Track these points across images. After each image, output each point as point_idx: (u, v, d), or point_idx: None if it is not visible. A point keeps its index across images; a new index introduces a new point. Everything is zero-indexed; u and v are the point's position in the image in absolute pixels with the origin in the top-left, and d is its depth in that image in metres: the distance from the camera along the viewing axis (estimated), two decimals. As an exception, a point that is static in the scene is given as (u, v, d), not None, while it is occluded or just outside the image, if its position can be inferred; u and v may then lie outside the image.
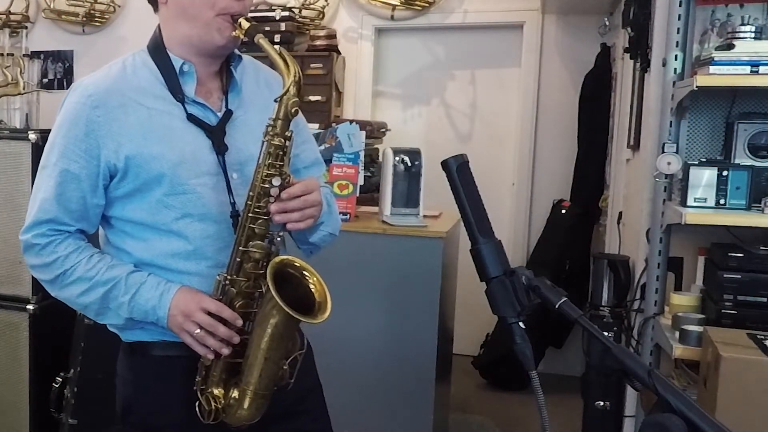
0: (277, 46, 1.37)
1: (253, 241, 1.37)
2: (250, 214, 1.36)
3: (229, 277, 1.38)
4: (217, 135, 1.43)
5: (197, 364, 1.41)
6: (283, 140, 1.35)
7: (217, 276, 1.39)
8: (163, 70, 1.43)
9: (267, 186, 1.34)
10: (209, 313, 1.36)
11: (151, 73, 1.44)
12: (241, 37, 1.39)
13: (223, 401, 1.40)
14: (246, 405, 1.39)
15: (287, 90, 1.34)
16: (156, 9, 1.48)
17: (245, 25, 1.38)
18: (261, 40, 1.36)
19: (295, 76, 1.34)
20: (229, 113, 1.46)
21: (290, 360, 1.42)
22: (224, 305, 1.37)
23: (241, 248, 1.37)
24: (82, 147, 1.38)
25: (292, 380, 1.43)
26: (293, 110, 1.35)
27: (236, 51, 1.50)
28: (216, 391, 1.40)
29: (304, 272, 1.40)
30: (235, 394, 1.40)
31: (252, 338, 1.38)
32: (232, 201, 1.42)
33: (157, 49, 1.45)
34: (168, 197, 1.40)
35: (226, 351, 1.37)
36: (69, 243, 1.42)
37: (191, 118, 1.42)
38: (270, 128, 1.35)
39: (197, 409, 1.40)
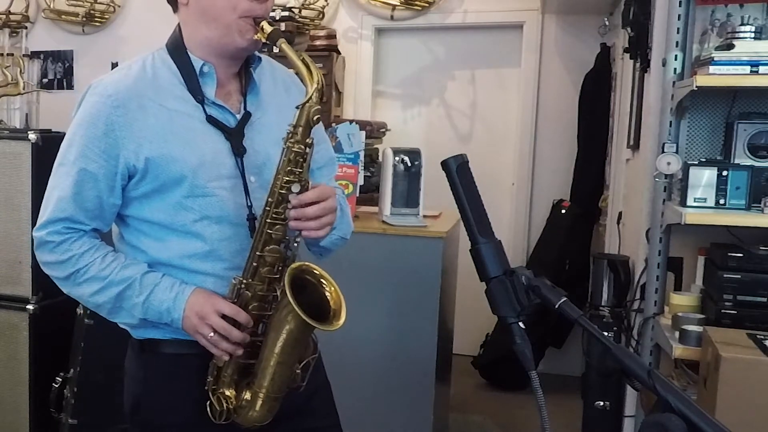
0: (301, 53, 1.37)
1: (270, 245, 1.37)
2: (268, 220, 1.36)
3: (245, 281, 1.38)
4: (235, 137, 1.42)
5: (208, 362, 1.42)
6: (303, 147, 1.34)
7: (233, 279, 1.39)
8: (184, 70, 1.43)
9: (286, 192, 1.34)
10: (224, 317, 1.36)
11: (172, 73, 1.43)
12: (263, 40, 1.37)
13: (234, 402, 1.41)
14: (258, 407, 1.40)
15: (310, 97, 1.33)
16: (175, 9, 1.46)
17: (267, 28, 1.36)
18: (284, 45, 1.35)
19: (318, 83, 1.33)
20: (247, 115, 1.46)
21: (303, 364, 1.42)
22: (239, 309, 1.37)
23: (258, 253, 1.37)
24: (101, 146, 1.38)
25: (304, 383, 1.43)
26: (315, 117, 1.33)
27: (256, 52, 1.49)
28: (228, 392, 1.41)
29: (322, 280, 1.41)
30: (247, 395, 1.40)
31: (266, 342, 1.38)
32: (249, 204, 1.42)
33: (177, 49, 1.44)
34: (187, 199, 1.39)
35: (239, 352, 1.37)
36: (84, 241, 1.41)
37: (210, 120, 1.41)
38: (290, 134, 1.34)
39: (208, 409, 1.41)
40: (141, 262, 1.43)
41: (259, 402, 1.40)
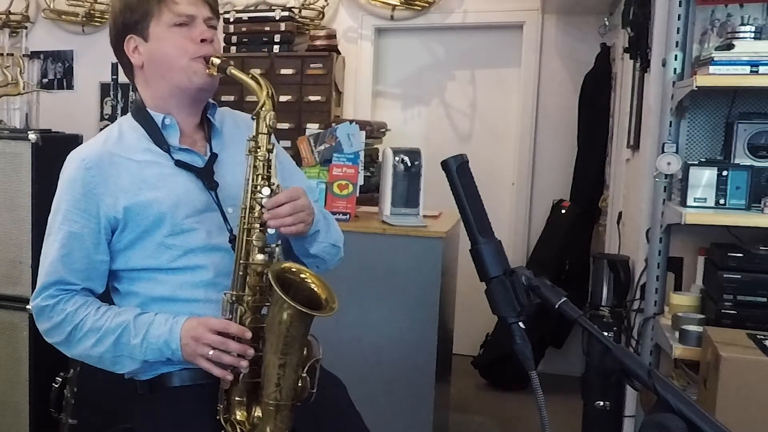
0: (249, 72, 1.46)
1: (253, 255, 1.40)
2: (245, 227, 1.40)
3: (234, 294, 1.40)
4: (206, 174, 1.50)
5: (217, 391, 1.42)
6: (266, 153, 1.40)
7: (223, 295, 1.42)
8: (147, 127, 1.51)
9: (257, 197, 1.39)
10: (218, 333, 1.38)
11: (138, 132, 1.52)
12: (214, 73, 1.46)
13: (247, 425, 1.40)
14: (270, 421, 1.38)
15: (263, 103, 1.40)
16: (132, 77, 1.56)
17: (216, 62, 1.46)
18: (233, 70, 1.45)
19: (268, 92, 1.41)
20: (214, 156, 1.53)
21: (308, 368, 1.41)
22: (230, 322, 1.39)
23: (241, 262, 1.40)
24: (81, 207, 1.46)
25: (314, 390, 1.41)
26: (271, 122, 1.41)
27: (211, 101, 1.58)
28: (239, 416, 1.40)
29: (302, 274, 1.42)
30: (257, 412, 1.39)
31: (266, 348, 1.38)
32: (230, 228, 1.48)
33: (139, 111, 1.54)
34: (168, 238, 1.45)
35: (244, 364, 1.37)
36: (76, 299, 1.46)
37: (179, 164, 1.49)
38: (252, 143, 1.41)
39: None
40: (133, 307, 1.47)
41: (271, 415, 1.38)
